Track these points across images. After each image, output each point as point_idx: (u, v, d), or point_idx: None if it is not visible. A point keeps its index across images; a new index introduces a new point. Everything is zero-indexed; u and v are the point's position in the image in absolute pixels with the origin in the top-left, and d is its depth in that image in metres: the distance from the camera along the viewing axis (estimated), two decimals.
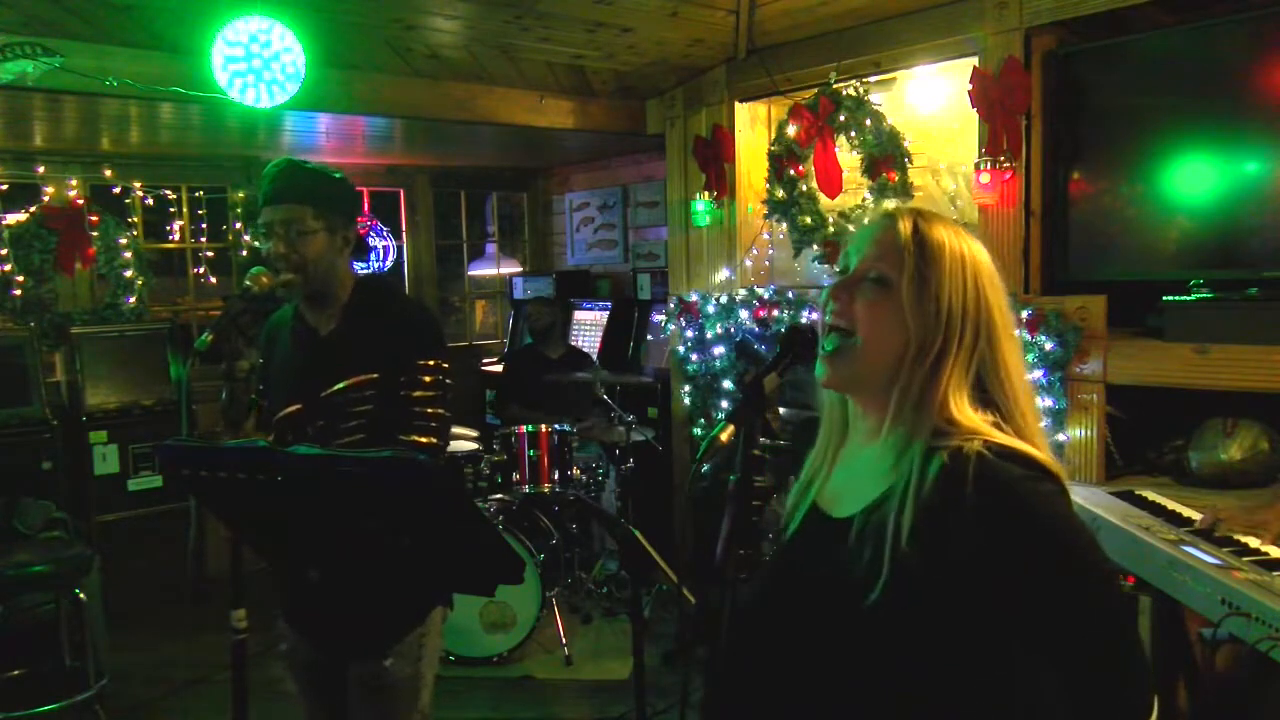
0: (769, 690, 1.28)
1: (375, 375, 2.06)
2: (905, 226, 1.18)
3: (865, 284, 1.19)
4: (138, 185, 5.47)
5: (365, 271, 6.04)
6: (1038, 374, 3.21)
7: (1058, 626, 1.08)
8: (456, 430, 4.55)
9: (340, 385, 2.07)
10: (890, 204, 3.90)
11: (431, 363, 2.10)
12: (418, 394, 2.07)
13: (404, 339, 2.11)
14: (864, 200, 4.01)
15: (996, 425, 1.13)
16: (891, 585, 1.07)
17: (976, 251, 1.19)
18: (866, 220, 1.33)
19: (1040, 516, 1.07)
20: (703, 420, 4.75)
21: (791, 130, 4.15)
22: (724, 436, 1.24)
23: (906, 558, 1.07)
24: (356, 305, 2.16)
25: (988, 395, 1.16)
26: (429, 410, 2.08)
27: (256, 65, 3.20)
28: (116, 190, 5.45)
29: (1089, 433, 3.18)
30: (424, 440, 2.06)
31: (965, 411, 1.13)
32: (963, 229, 1.22)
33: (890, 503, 1.11)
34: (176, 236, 5.67)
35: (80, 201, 5.18)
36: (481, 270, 7.49)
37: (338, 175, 2.16)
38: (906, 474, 1.11)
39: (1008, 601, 1.07)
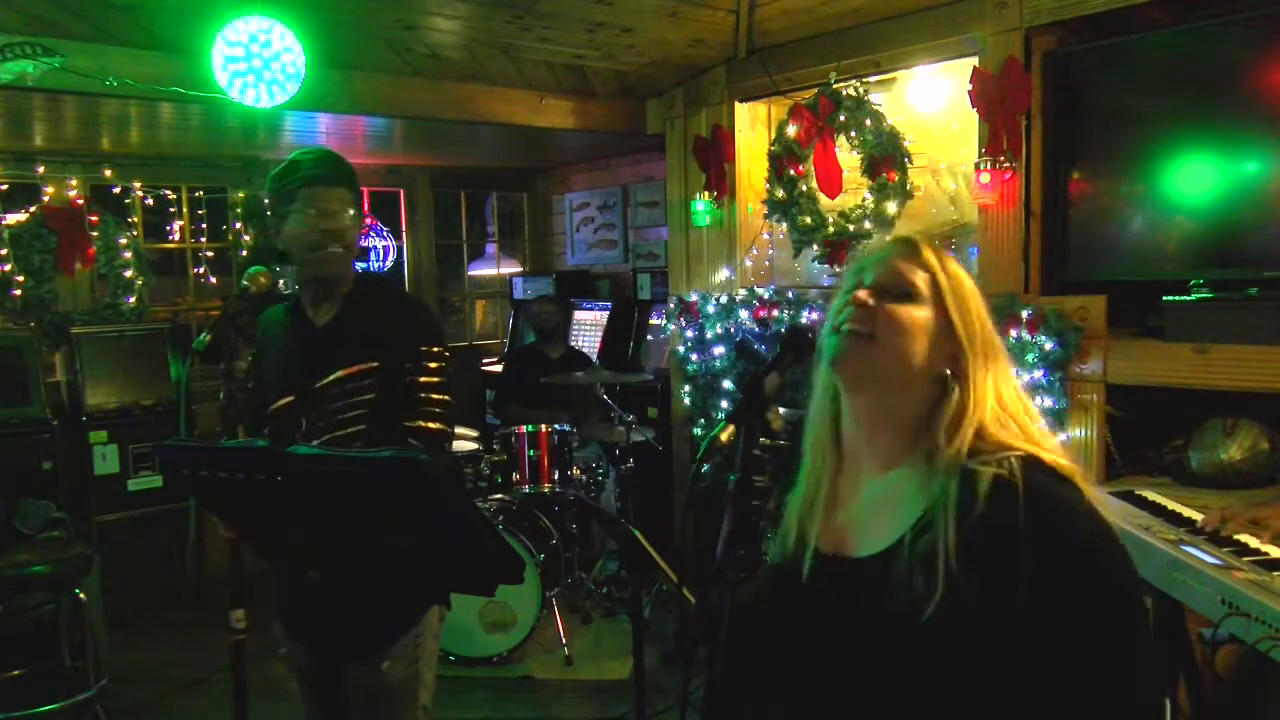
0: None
1: (375, 364, 2.08)
2: (929, 251, 1.21)
3: (888, 294, 1.19)
4: (138, 185, 5.47)
5: (363, 269, 6.12)
6: (1038, 374, 3.21)
7: (1094, 637, 1.08)
8: (456, 428, 4.56)
9: (338, 374, 2.08)
10: (891, 207, 3.90)
11: (435, 349, 2.13)
12: (424, 380, 2.10)
13: (408, 328, 2.14)
14: (864, 200, 4.01)
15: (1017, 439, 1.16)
16: (947, 606, 1.07)
17: (973, 283, 1.24)
18: (874, 244, 1.34)
19: (1086, 535, 1.09)
20: (703, 420, 4.75)
21: (791, 130, 4.15)
22: (724, 436, 1.24)
23: (959, 579, 1.07)
24: (356, 296, 2.18)
25: (998, 416, 1.18)
26: (434, 396, 2.11)
27: (256, 65, 3.20)
28: (116, 190, 5.45)
29: (1089, 433, 3.18)
30: (434, 426, 2.09)
31: (993, 428, 1.15)
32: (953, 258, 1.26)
33: (938, 519, 1.10)
34: (176, 236, 5.67)
35: (80, 201, 5.18)
36: (481, 270, 7.49)
37: None
38: (947, 494, 1.11)
39: (1049, 614, 1.06)
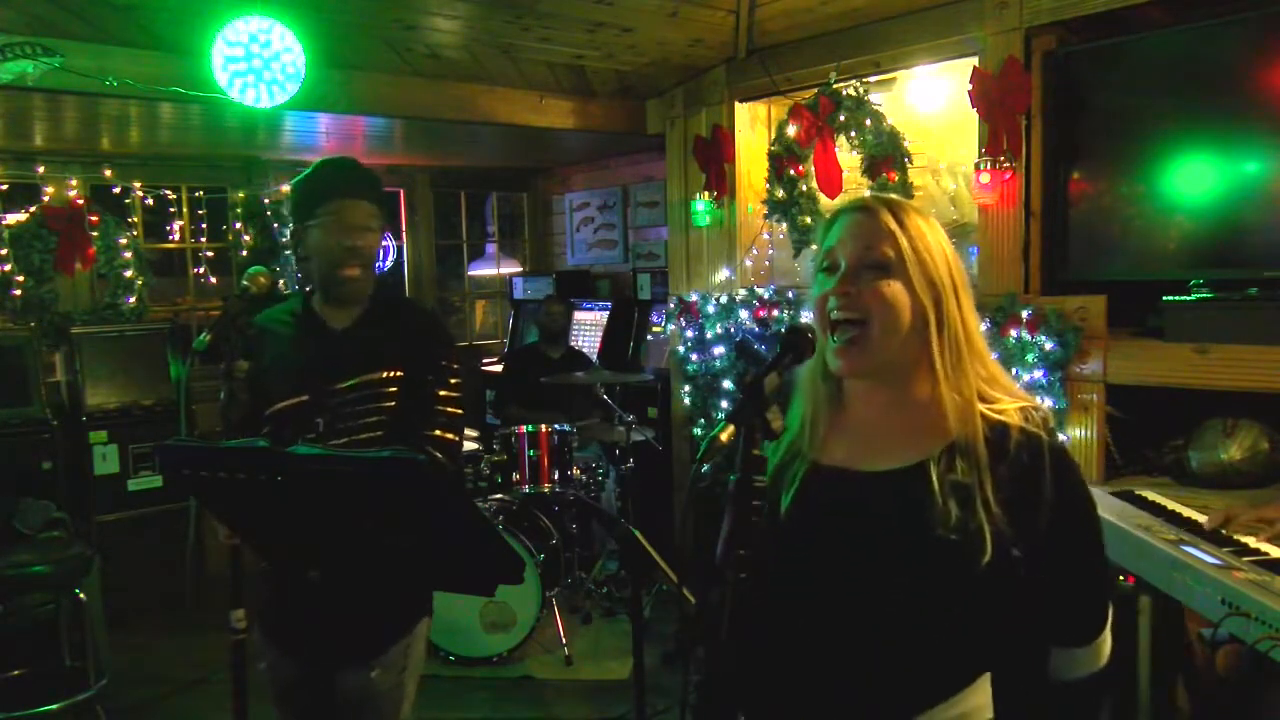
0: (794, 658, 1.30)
1: (400, 373, 2.11)
2: (885, 214, 1.28)
3: (866, 271, 1.26)
4: (138, 185, 5.47)
5: None
6: (1038, 374, 3.21)
7: (1078, 553, 1.28)
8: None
9: (363, 378, 2.10)
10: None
11: (455, 364, 2.19)
12: (443, 392, 2.14)
13: (431, 340, 2.20)
14: None
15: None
16: (995, 548, 1.18)
17: (935, 224, 1.32)
18: (832, 214, 1.38)
19: (1077, 482, 1.28)
20: (703, 420, 4.75)
21: (791, 130, 4.15)
22: (724, 436, 1.24)
23: (1003, 523, 1.19)
24: (376, 304, 2.21)
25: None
26: (450, 409, 2.15)
27: (256, 65, 3.20)
28: (116, 190, 5.45)
29: (1089, 433, 3.19)
30: (449, 436, 2.14)
31: (993, 363, 1.30)
32: (918, 206, 1.33)
33: (970, 457, 1.22)
34: (176, 236, 5.67)
35: (80, 201, 5.18)
36: (481, 270, 7.49)
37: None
38: (971, 429, 1.23)
39: (1059, 538, 1.23)
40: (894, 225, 1.26)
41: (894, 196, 1.34)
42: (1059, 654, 1.29)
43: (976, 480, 1.20)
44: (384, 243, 6.31)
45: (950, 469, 1.22)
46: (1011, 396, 1.27)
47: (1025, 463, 1.21)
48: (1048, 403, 3.19)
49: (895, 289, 1.24)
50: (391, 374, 2.12)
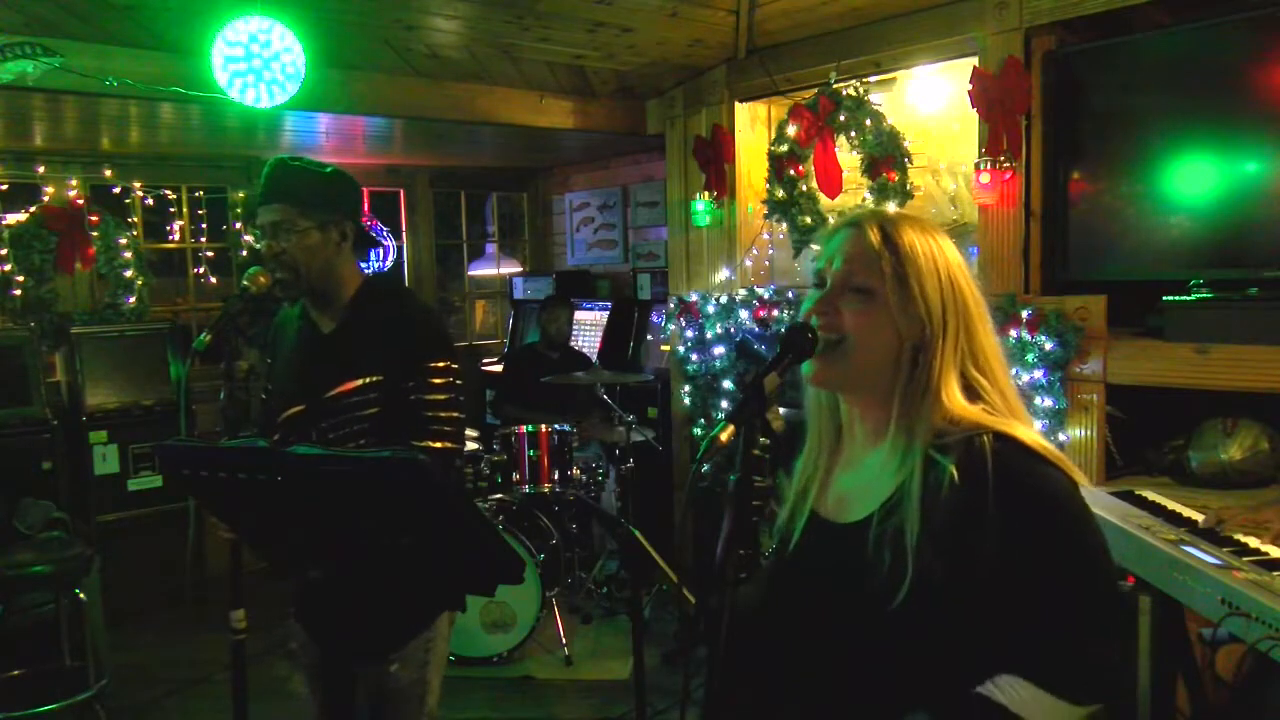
0: (780, 693, 1.29)
1: (379, 378, 2.04)
2: (874, 234, 1.21)
3: (848, 294, 1.22)
4: (138, 185, 5.47)
5: (368, 271, 6.10)
6: (1038, 374, 3.21)
7: (1061, 604, 1.12)
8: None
9: (343, 388, 2.06)
10: (891, 207, 3.91)
11: (440, 364, 2.06)
12: (428, 397, 2.04)
13: (407, 341, 2.07)
14: (864, 200, 4.01)
15: (988, 412, 1.18)
16: (915, 588, 1.11)
17: (944, 245, 1.24)
18: (830, 226, 1.34)
19: (1059, 506, 1.13)
20: (703, 420, 4.75)
21: (791, 130, 4.15)
22: (724, 436, 1.24)
23: (928, 560, 1.11)
24: (359, 305, 2.13)
25: (968, 382, 1.20)
26: (441, 414, 2.05)
27: (256, 65, 3.20)
28: (116, 190, 5.45)
29: (1089, 433, 3.18)
30: (439, 445, 2.03)
31: (960, 403, 1.18)
32: (928, 223, 1.26)
33: (905, 504, 1.15)
34: (176, 236, 5.67)
35: (80, 201, 5.18)
36: (481, 270, 7.49)
37: (328, 171, 2.12)
38: (911, 474, 1.16)
39: (1021, 583, 1.11)
40: (882, 247, 1.20)
41: (896, 213, 1.28)
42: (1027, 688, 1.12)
43: (909, 522, 1.13)
44: (385, 242, 6.31)
45: (889, 517, 1.16)
46: (989, 422, 1.17)
47: (961, 491, 1.12)
48: (1048, 402, 3.20)
49: (875, 318, 1.19)
50: (369, 380, 2.04)
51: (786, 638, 1.30)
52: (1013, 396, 1.22)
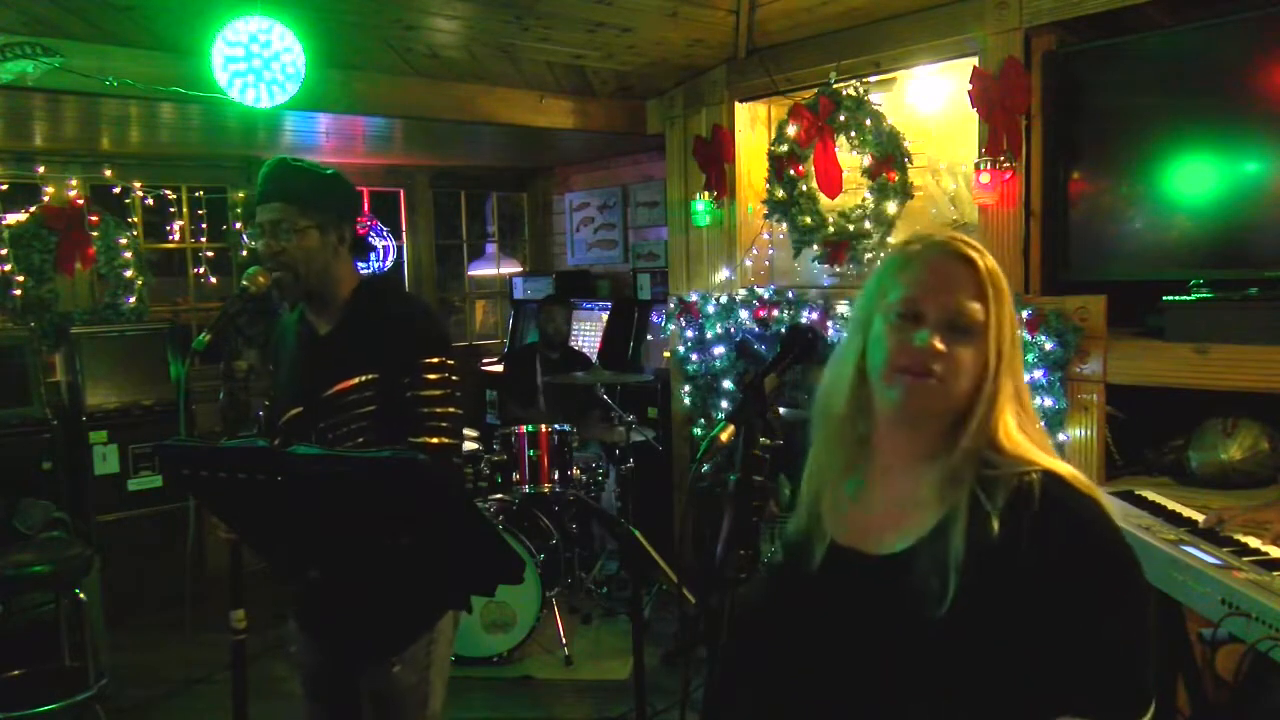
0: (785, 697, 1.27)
1: (375, 376, 2.04)
2: (984, 270, 1.18)
3: (951, 332, 1.17)
4: (138, 185, 5.47)
5: (367, 271, 6.11)
6: (1038, 374, 3.21)
7: (1114, 636, 1.11)
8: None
9: (340, 387, 2.06)
10: (891, 207, 3.90)
11: (435, 361, 2.06)
12: (424, 394, 2.04)
13: (404, 339, 2.08)
14: (864, 200, 4.01)
15: (1029, 441, 1.18)
16: (957, 612, 1.10)
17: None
18: (922, 245, 1.23)
19: (1106, 545, 1.12)
20: (703, 420, 4.75)
21: (791, 130, 4.15)
22: (724, 436, 1.24)
23: (973, 584, 1.10)
24: (356, 305, 2.14)
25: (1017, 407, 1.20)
26: (438, 410, 2.05)
27: (256, 65, 3.20)
28: (116, 190, 5.45)
29: (1089, 433, 3.18)
30: (436, 441, 2.03)
31: (1013, 434, 1.17)
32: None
33: (952, 532, 1.13)
34: (176, 236, 5.67)
35: (80, 201, 5.18)
36: (481, 270, 7.49)
37: (329, 172, 2.12)
38: (959, 504, 1.14)
39: (1063, 621, 1.09)
40: (989, 287, 1.17)
41: (973, 239, 1.23)
42: None
43: (953, 548, 1.12)
44: (383, 242, 6.31)
45: (934, 544, 1.15)
46: (1038, 458, 1.17)
47: (1009, 522, 1.11)
48: (1048, 402, 3.20)
49: (974, 353, 1.17)
50: (364, 379, 2.04)
51: (799, 657, 1.26)
52: (1038, 422, 1.22)
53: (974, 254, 1.19)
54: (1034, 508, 1.10)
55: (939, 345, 1.15)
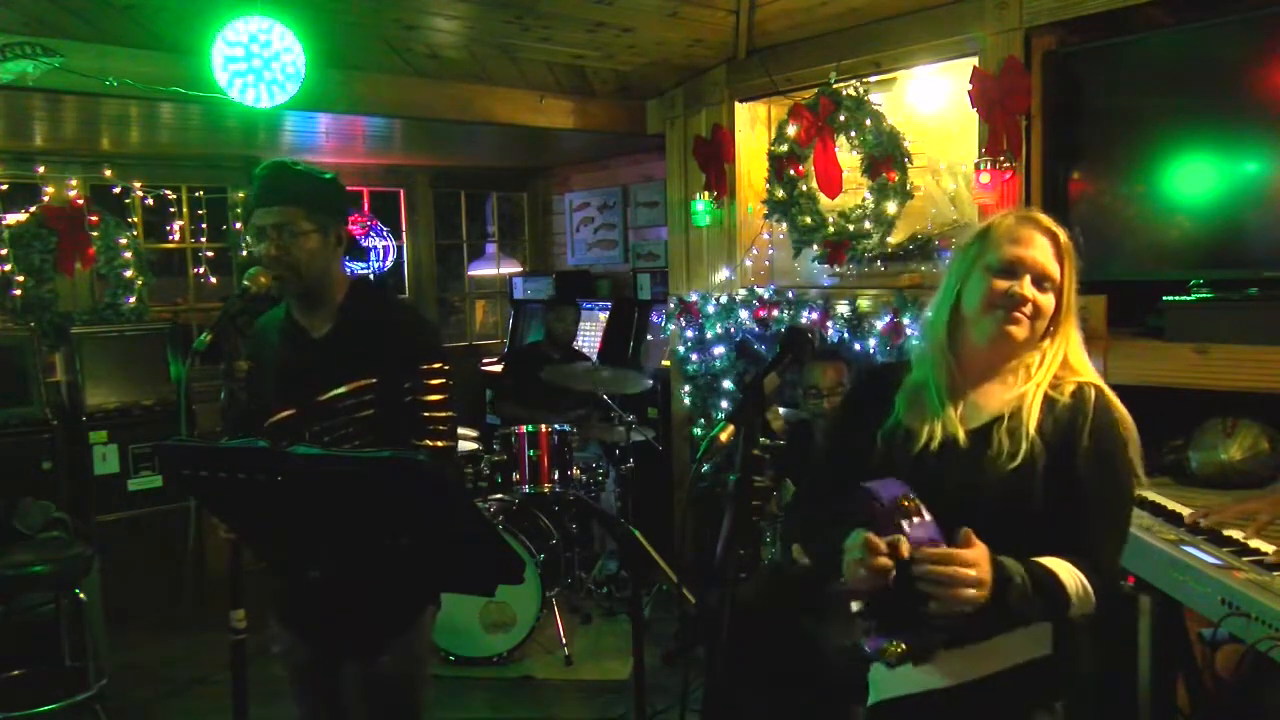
0: None
1: (374, 380, 2.05)
2: (1064, 244, 1.63)
3: (1041, 282, 1.60)
4: (138, 185, 5.47)
5: (363, 272, 6.12)
6: None
7: (1108, 502, 1.58)
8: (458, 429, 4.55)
9: (339, 390, 2.06)
10: (891, 207, 3.90)
11: (435, 366, 2.10)
12: (425, 398, 2.07)
13: (406, 344, 2.10)
14: (864, 200, 4.01)
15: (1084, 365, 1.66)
16: (1022, 466, 1.54)
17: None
18: (1020, 222, 1.69)
19: (1124, 440, 1.62)
20: (703, 420, 4.75)
21: (791, 130, 4.15)
22: (724, 436, 1.25)
23: (1037, 449, 1.55)
24: (351, 308, 2.15)
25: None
26: (438, 414, 2.08)
27: (256, 65, 3.20)
28: (116, 190, 5.45)
29: None
30: (439, 444, 2.08)
31: (1080, 357, 1.66)
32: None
33: (1029, 411, 1.58)
34: (176, 236, 5.67)
35: (80, 201, 5.18)
36: (481, 270, 7.49)
37: (328, 176, 2.15)
38: (1033, 397, 1.59)
39: (1088, 476, 1.56)
40: (1065, 255, 1.63)
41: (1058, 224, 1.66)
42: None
43: (1028, 423, 1.56)
44: (383, 242, 6.31)
45: (1011, 419, 1.58)
46: (1093, 376, 1.66)
47: (1070, 408, 1.59)
48: None
49: (1050, 299, 1.62)
50: (364, 383, 2.06)
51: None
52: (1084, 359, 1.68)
53: (1056, 229, 1.64)
54: (1088, 408, 1.58)
55: (1032, 292, 1.59)
